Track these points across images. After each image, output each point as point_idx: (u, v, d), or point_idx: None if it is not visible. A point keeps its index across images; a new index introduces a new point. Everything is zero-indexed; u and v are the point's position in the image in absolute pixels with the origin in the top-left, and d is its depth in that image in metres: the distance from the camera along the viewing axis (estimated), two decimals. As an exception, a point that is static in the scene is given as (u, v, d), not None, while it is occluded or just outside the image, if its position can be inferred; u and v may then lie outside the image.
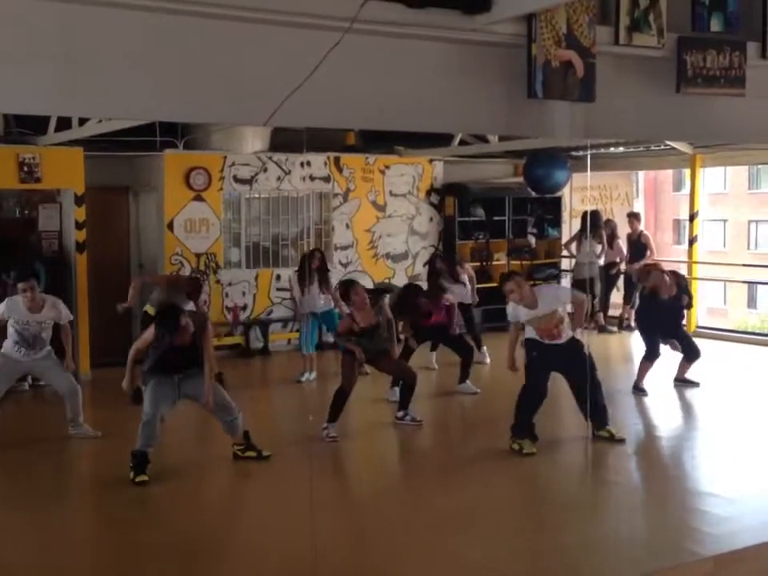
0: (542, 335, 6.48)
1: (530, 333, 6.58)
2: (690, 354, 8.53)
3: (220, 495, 5.89)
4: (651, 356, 8.44)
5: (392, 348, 7.25)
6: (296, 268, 9.46)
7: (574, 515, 5.53)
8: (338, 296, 7.91)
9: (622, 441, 6.71)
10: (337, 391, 6.96)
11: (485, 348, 9.77)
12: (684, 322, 8.85)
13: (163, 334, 5.90)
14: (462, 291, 9.47)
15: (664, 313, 8.30)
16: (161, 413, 5.94)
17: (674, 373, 8.67)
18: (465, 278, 9.66)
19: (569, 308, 6.75)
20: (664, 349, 8.50)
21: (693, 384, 8.60)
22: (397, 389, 8.14)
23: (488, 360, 9.79)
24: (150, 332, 6.02)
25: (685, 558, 4.74)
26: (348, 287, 7.26)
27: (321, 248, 10.22)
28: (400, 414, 7.28)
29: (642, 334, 8.73)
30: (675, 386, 8.60)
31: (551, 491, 6.00)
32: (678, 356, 8.63)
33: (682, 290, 8.46)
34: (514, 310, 6.56)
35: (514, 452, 6.44)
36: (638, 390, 8.40)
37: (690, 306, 8.94)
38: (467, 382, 8.47)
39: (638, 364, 8.54)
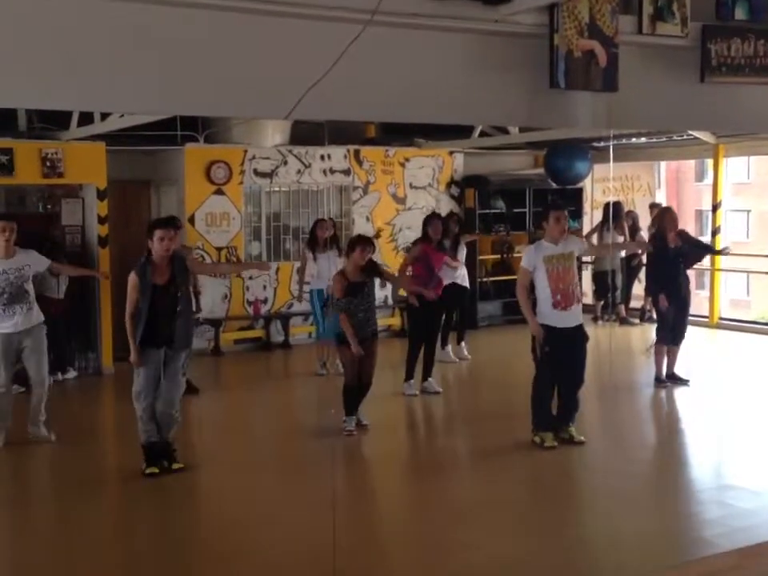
0: (555, 293, 6.25)
1: (544, 314, 6.35)
2: (676, 335, 8.28)
3: (237, 489, 5.90)
4: (662, 329, 8.30)
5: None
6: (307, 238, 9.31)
7: (595, 509, 5.51)
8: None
9: (581, 443, 6.48)
10: (343, 388, 6.89)
11: (463, 343, 9.66)
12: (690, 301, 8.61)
13: (144, 268, 5.78)
14: (458, 272, 9.20)
15: (670, 265, 8.17)
16: (153, 404, 5.88)
17: (690, 362, 8.57)
18: (463, 255, 9.36)
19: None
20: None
21: (682, 382, 8.37)
22: (412, 381, 8.10)
23: (467, 355, 9.63)
24: (132, 283, 5.81)
25: (709, 550, 4.71)
26: (358, 241, 6.97)
27: (332, 217, 10.17)
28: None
29: (651, 291, 8.66)
30: (668, 382, 8.33)
31: (572, 484, 5.97)
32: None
33: (686, 243, 8.37)
34: (537, 249, 6.44)
35: (535, 445, 6.42)
36: (660, 382, 8.33)
37: (712, 250, 9.05)
38: (430, 380, 8.24)
39: (654, 354, 8.42)
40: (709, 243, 9.05)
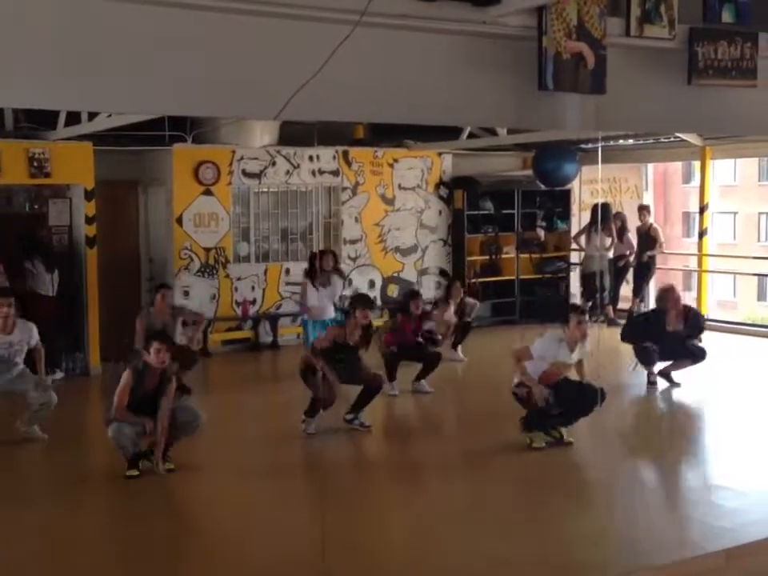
0: (545, 381, 6.35)
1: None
2: (696, 356, 8.33)
3: (225, 490, 5.88)
4: (648, 363, 8.41)
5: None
6: (306, 267, 9.30)
7: (582, 509, 5.52)
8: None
9: (569, 444, 6.54)
10: (312, 399, 6.82)
11: (459, 347, 9.70)
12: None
13: (139, 371, 5.91)
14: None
15: (663, 342, 8.22)
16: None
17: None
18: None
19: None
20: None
21: (674, 384, 8.43)
22: (395, 383, 8.08)
23: (462, 357, 9.68)
24: (126, 378, 5.94)
25: (696, 551, 4.72)
26: (359, 303, 7.04)
27: (332, 249, 10.09)
28: (349, 416, 7.02)
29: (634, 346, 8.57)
30: (659, 377, 8.44)
31: (559, 484, 5.98)
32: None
33: (689, 326, 8.32)
34: (558, 347, 6.37)
35: (523, 445, 6.43)
36: (650, 384, 8.38)
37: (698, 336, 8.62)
38: (422, 381, 8.33)
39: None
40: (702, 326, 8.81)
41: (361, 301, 7.19)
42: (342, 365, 6.81)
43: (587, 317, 6.52)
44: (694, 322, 8.50)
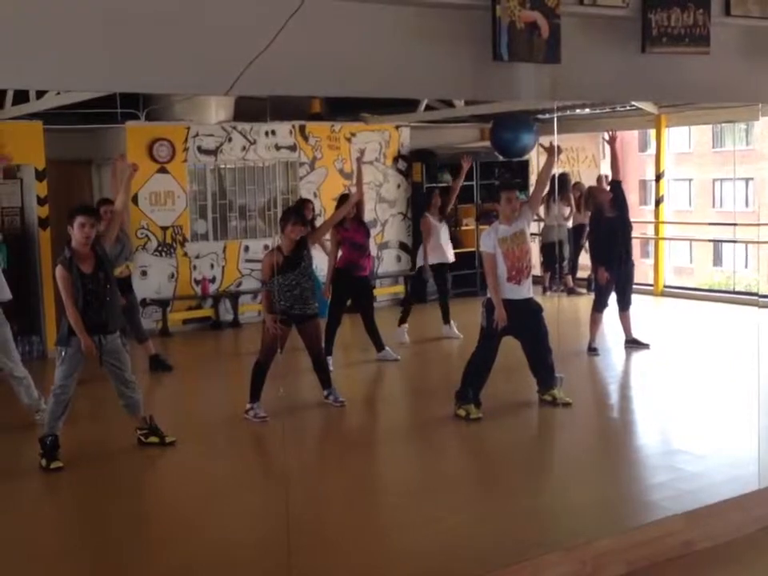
0: (511, 270, 6.41)
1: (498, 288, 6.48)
2: (622, 302, 8.53)
3: (188, 468, 5.85)
4: (600, 305, 8.50)
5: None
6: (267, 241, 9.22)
7: (543, 479, 5.58)
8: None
9: (567, 405, 6.64)
10: (253, 367, 6.66)
11: (453, 323, 9.49)
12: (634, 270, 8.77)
13: (70, 258, 5.67)
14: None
15: (612, 233, 8.34)
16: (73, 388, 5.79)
17: (637, 330, 8.73)
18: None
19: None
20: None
21: (643, 346, 8.61)
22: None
23: (457, 333, 9.41)
24: (63, 276, 5.67)
25: (657, 515, 4.78)
26: (289, 217, 6.71)
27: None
28: (325, 393, 6.99)
29: (593, 261, 8.80)
30: (627, 347, 8.61)
31: (522, 454, 6.03)
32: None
33: (622, 209, 8.48)
34: (494, 232, 6.53)
35: (460, 418, 6.43)
36: (591, 350, 8.49)
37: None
38: (386, 349, 8.41)
39: (589, 319, 8.57)
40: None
41: (291, 214, 6.84)
42: (296, 291, 6.60)
43: (516, 193, 6.74)
44: (618, 196, 8.63)
